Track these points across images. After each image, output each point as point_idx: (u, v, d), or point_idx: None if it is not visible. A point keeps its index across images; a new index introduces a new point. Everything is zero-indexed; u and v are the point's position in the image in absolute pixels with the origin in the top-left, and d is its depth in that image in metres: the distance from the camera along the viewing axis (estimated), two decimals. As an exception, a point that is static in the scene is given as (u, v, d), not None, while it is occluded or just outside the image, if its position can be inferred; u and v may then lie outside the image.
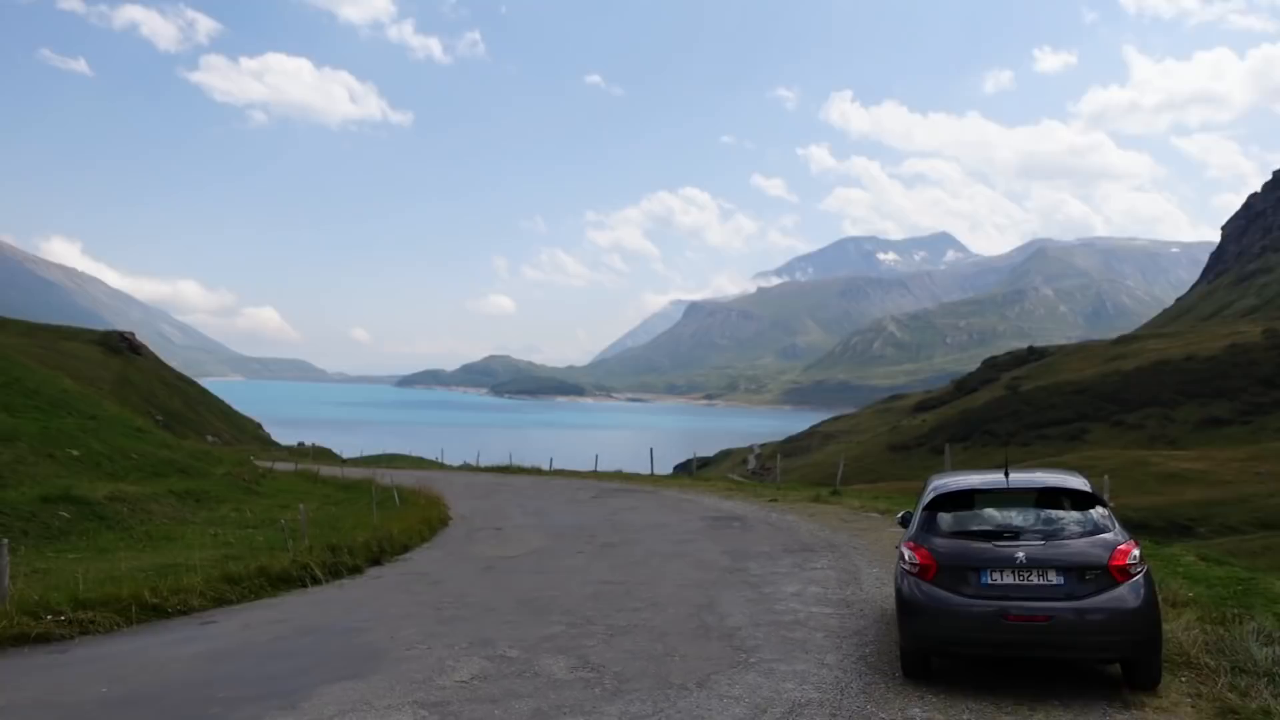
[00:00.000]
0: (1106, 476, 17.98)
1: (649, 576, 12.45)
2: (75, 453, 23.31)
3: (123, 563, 13.54)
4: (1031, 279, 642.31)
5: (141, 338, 73.45)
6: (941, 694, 6.88)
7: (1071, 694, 6.81)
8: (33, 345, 50.60)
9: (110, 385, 49.71)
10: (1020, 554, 6.79)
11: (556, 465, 40.42)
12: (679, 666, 7.80)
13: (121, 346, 62.40)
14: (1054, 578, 6.72)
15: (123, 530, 17.68)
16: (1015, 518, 7.28)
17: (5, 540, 11.15)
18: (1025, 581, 6.75)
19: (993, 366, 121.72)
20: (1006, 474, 7.55)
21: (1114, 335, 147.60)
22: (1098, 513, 7.15)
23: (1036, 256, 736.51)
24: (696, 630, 9.20)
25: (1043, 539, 6.93)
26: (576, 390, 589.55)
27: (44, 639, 9.51)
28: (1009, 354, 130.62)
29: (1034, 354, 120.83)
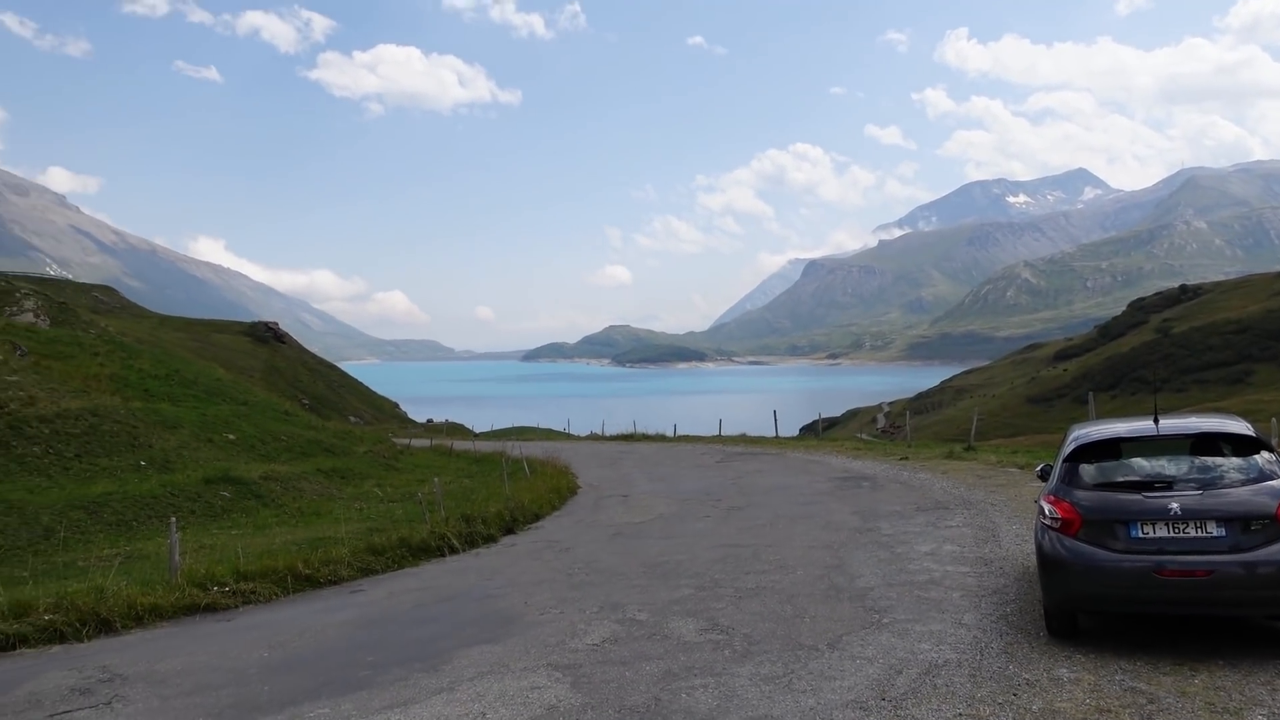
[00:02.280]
0: (1276, 420, 16.57)
1: (776, 539, 12.34)
2: (231, 437, 25.02)
3: (278, 537, 14.49)
4: (1181, 212, 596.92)
5: (285, 327, 77.97)
6: (1091, 654, 6.51)
7: (1237, 653, 6.32)
8: (189, 339, 54.53)
9: (259, 373, 53.07)
10: (1174, 505, 6.31)
11: (680, 431, 40.62)
12: (809, 628, 7.69)
13: (267, 336, 66.45)
14: (1214, 529, 6.22)
15: (277, 507, 18.90)
16: (1167, 467, 6.77)
17: (174, 518, 12.10)
18: (1181, 534, 6.28)
19: (1140, 308, 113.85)
20: (1156, 420, 7.03)
21: (1279, 267, 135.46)
22: (1263, 458, 6.55)
23: (1186, 187, 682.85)
24: (826, 591, 9.05)
25: (1199, 488, 6.42)
26: (697, 356, 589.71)
27: (211, 608, 10.27)
28: (1158, 294, 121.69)
29: (1186, 292, 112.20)
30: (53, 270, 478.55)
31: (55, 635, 8.95)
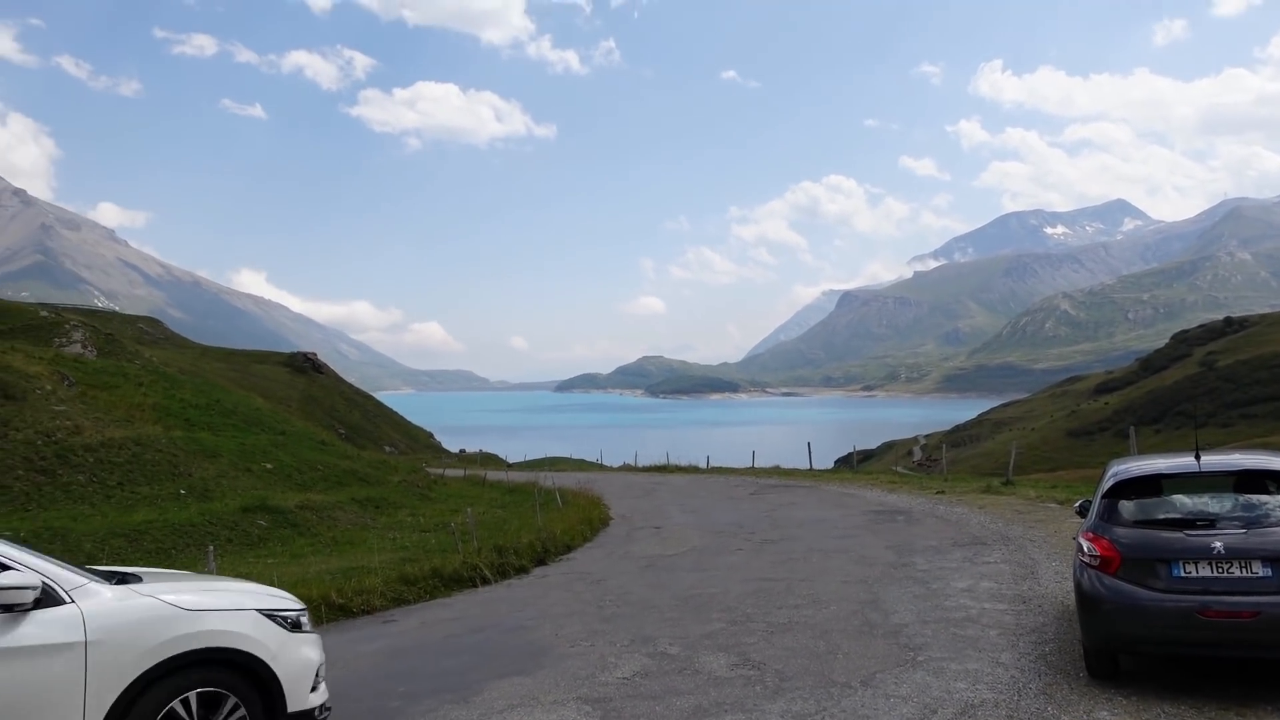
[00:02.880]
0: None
1: (810, 573, 12.21)
2: (269, 466, 25.38)
3: (312, 566, 14.62)
4: (1225, 243, 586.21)
5: (322, 357, 79.18)
6: (1132, 696, 6.35)
7: (1288, 698, 6.13)
8: (229, 369, 55.56)
9: (297, 402, 53.86)
10: (1218, 544, 6.17)
11: (713, 463, 40.44)
12: (842, 664, 7.60)
13: (305, 366, 67.50)
14: (1260, 569, 6.06)
15: (312, 536, 19.10)
16: (1210, 504, 6.63)
17: (212, 547, 12.28)
18: (1224, 574, 6.12)
19: (1183, 341, 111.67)
20: (1198, 456, 6.89)
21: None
22: (1310, 496, 6.39)
23: (1229, 218, 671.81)
24: (860, 627, 8.93)
25: (1244, 527, 6.26)
26: (730, 387, 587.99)
27: (247, 636, 10.37)
28: (1202, 327, 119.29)
29: (1232, 325, 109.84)
30: (100, 302, 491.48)
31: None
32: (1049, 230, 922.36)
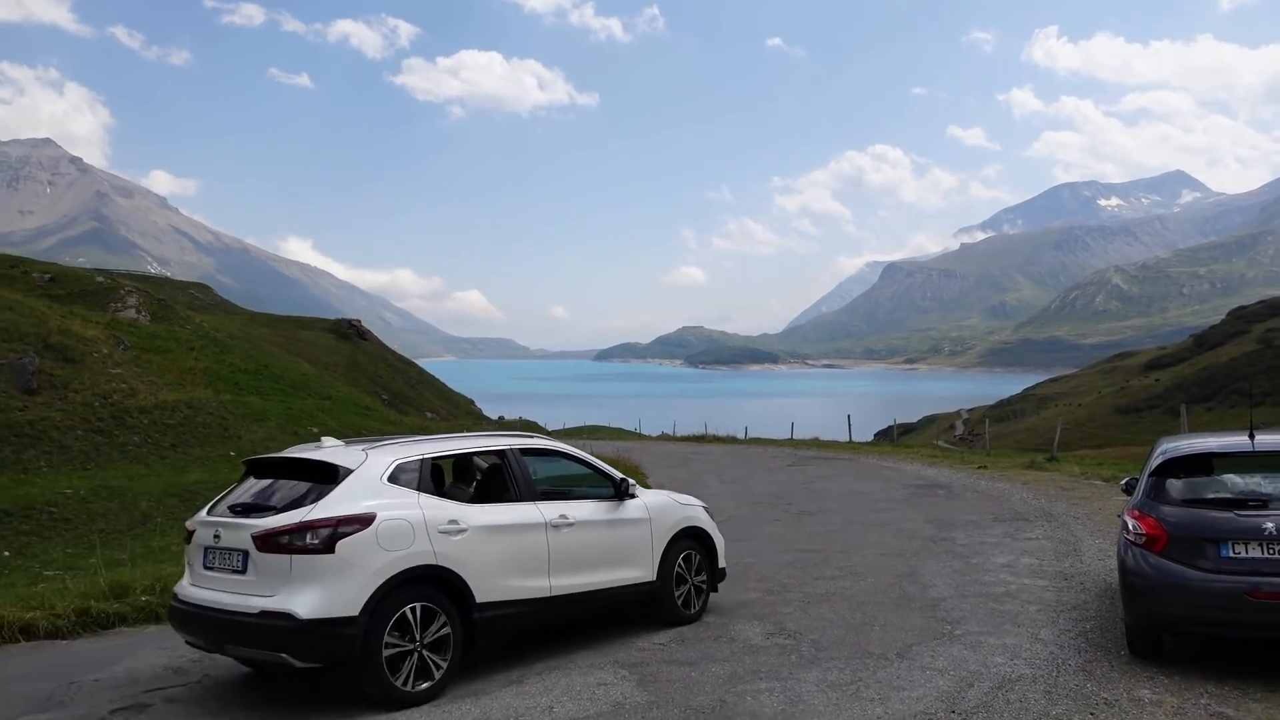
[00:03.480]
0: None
1: (847, 545, 12.20)
2: (315, 430, 25.89)
3: (357, 528, 14.87)
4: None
5: (366, 324, 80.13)
6: (1175, 676, 6.28)
7: (1337, 682, 6.01)
8: (276, 335, 56.56)
9: (341, 368, 54.72)
10: (1270, 524, 6.04)
11: (751, 434, 40.38)
12: (878, 636, 7.61)
13: (350, 333, 68.38)
14: (1312, 551, 5.93)
15: (357, 499, 19.47)
16: (1263, 484, 6.48)
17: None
18: (1275, 555, 6.01)
19: (1241, 317, 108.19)
20: (1252, 435, 6.74)
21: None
22: (1368, 477, 6.22)
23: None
24: (897, 600, 8.92)
25: (1297, 508, 6.13)
26: (770, 358, 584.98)
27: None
28: (1261, 302, 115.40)
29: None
30: (153, 268, 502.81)
31: (151, 616, 9.40)
32: (1102, 202, 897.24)
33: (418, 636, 6.18)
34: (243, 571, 6.11)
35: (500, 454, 7.40)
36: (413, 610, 6.15)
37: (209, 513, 6.67)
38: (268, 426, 24.16)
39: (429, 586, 6.30)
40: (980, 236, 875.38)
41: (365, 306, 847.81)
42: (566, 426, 56.13)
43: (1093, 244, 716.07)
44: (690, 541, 8.43)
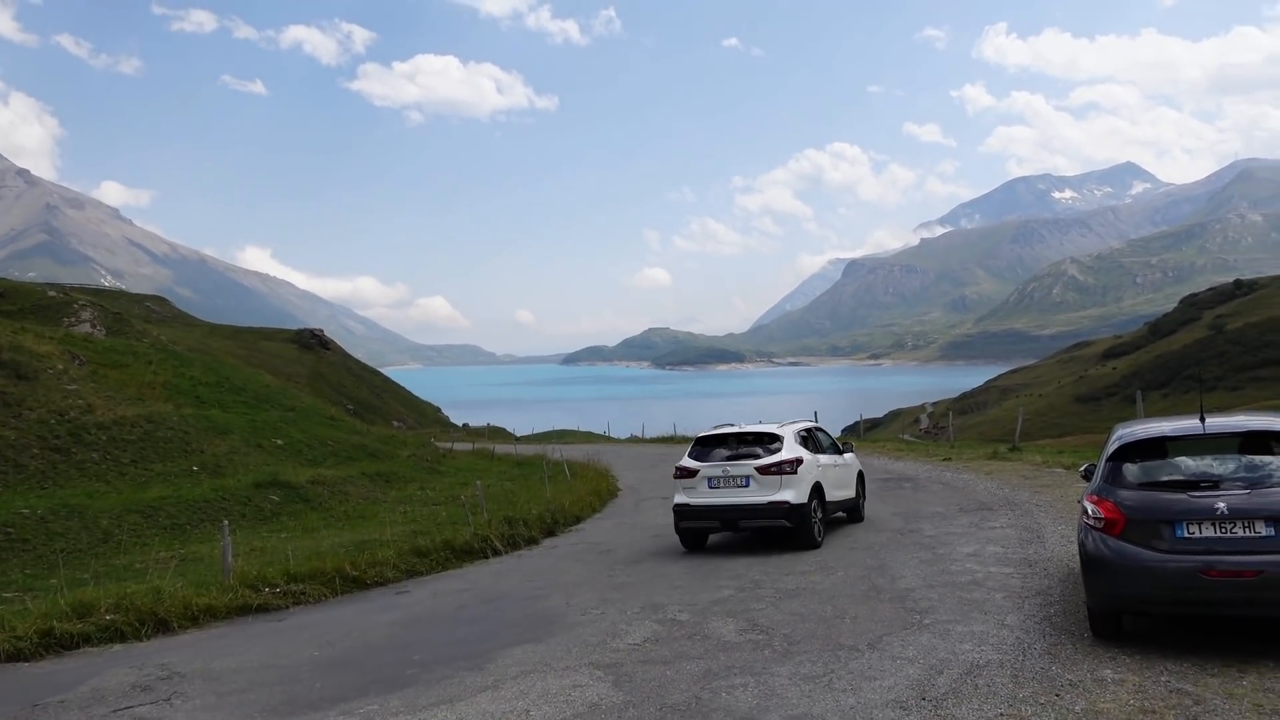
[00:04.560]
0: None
1: (816, 540, 12.29)
2: (279, 442, 25.56)
3: (325, 540, 14.79)
4: (1235, 205, 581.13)
5: (329, 333, 79.24)
6: (1135, 655, 6.45)
7: (1290, 655, 6.21)
8: (237, 347, 55.73)
9: (305, 379, 54.06)
10: (1221, 504, 6.22)
11: (720, 433, 40.44)
12: (849, 628, 7.71)
13: (313, 343, 67.59)
14: (1263, 529, 6.12)
15: (324, 511, 19.29)
16: (1214, 466, 6.67)
17: (226, 522, 12.43)
18: (1228, 534, 6.19)
19: (1193, 305, 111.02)
20: (1202, 419, 6.93)
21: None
22: (1314, 456, 6.42)
23: (1240, 179, 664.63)
24: (867, 592, 9.04)
25: (1247, 487, 6.31)
26: (737, 358, 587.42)
27: (263, 609, 10.56)
28: (1211, 290, 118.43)
29: (1241, 288, 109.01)
30: (107, 281, 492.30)
31: (116, 634, 9.27)
32: (1056, 195, 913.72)
33: (818, 515, 12.07)
34: (746, 486, 11.82)
35: (810, 430, 13.29)
36: (814, 501, 11.98)
37: (703, 462, 12.19)
38: (231, 440, 23.81)
39: (817, 492, 12.11)
40: (939, 231, 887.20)
41: (328, 316, 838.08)
42: (536, 431, 55.93)
43: (1048, 236, 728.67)
44: (861, 478, 14.46)
